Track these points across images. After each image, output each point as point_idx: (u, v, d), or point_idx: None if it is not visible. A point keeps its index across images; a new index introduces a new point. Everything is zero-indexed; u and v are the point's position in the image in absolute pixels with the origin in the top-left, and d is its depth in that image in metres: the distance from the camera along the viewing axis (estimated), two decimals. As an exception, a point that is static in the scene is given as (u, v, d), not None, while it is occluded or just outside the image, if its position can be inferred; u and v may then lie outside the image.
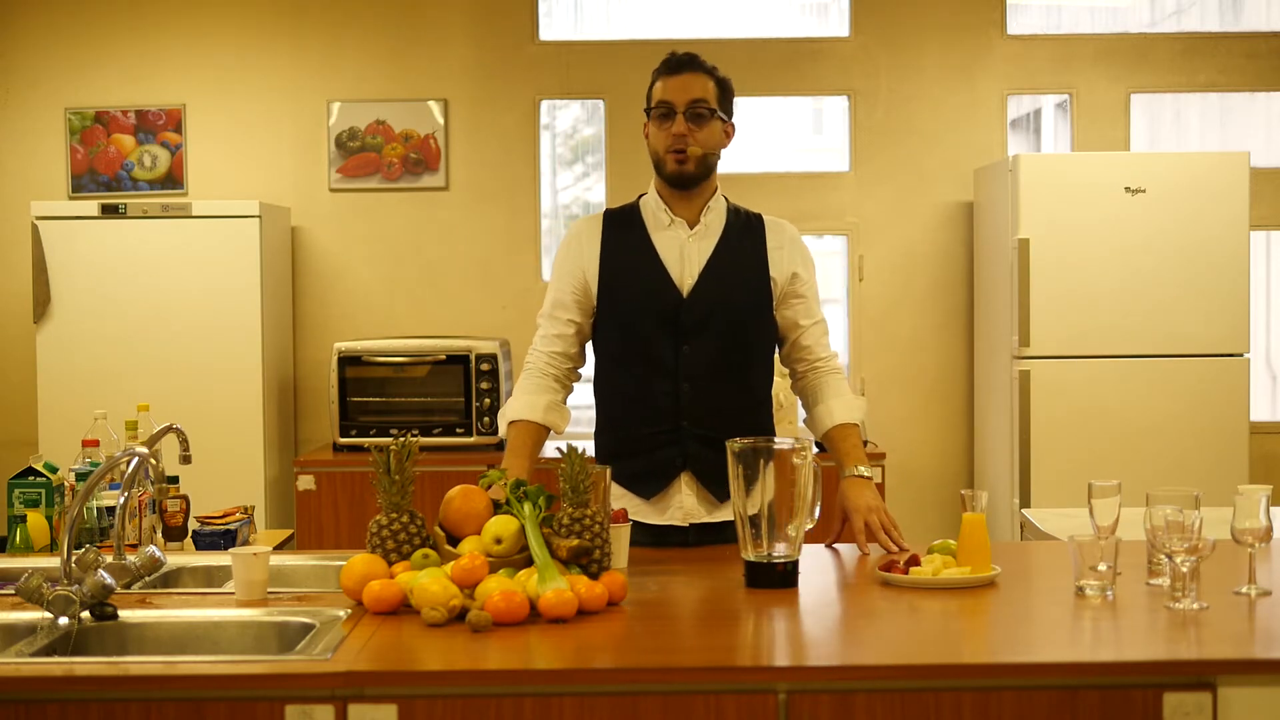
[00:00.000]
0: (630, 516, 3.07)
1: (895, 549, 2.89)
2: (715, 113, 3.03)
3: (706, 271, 3.06)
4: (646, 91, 3.09)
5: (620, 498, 3.10)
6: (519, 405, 3.10)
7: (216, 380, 5.56)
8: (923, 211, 6.14)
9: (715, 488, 3.05)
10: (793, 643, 2.35)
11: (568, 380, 3.16)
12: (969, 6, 6.12)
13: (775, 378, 3.26)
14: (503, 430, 3.15)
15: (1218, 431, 5.50)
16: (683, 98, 3.01)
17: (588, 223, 3.16)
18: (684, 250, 3.07)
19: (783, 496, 2.60)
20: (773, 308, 3.11)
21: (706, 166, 3.06)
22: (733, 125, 3.11)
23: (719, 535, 3.07)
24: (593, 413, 3.26)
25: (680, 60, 3.05)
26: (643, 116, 3.11)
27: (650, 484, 3.07)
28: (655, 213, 3.10)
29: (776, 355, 3.22)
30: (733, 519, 3.04)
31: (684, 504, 3.07)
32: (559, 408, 3.12)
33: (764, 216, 3.17)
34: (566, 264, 3.13)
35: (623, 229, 3.11)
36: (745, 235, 3.11)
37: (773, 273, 3.09)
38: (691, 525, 3.08)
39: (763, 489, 2.59)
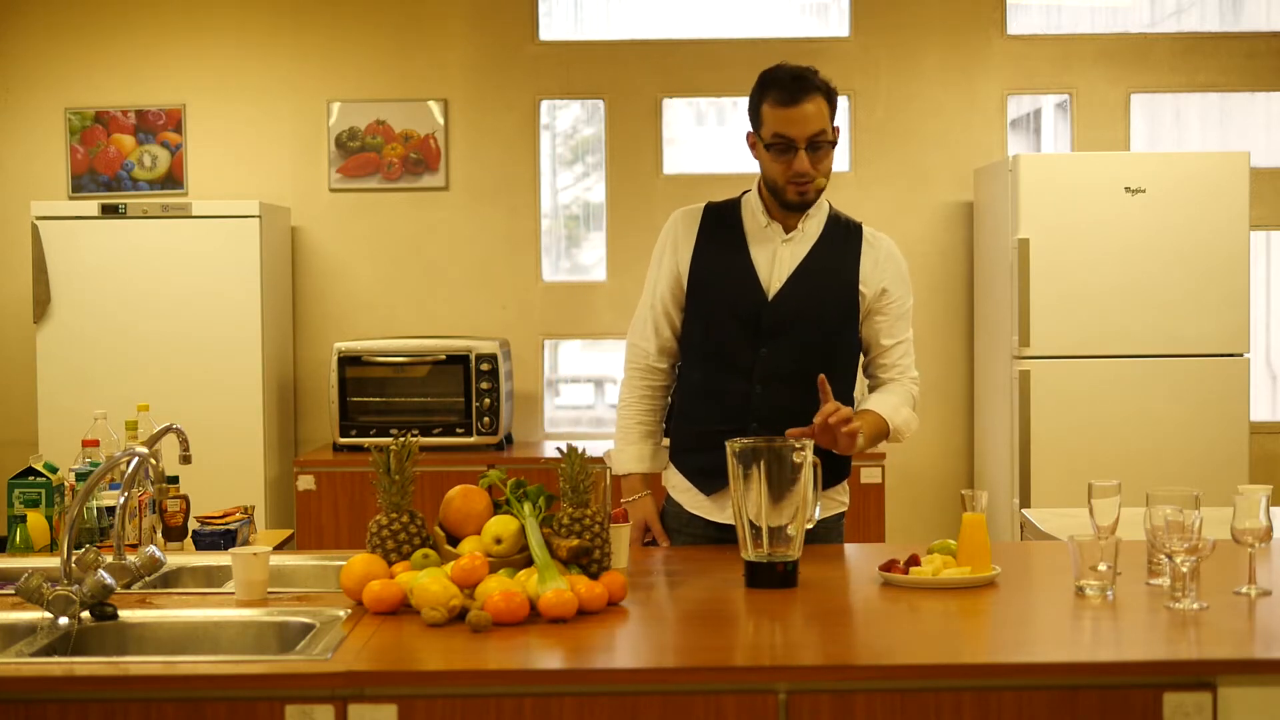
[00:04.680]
0: (691, 510, 3.11)
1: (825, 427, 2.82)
2: (834, 142, 2.98)
3: (795, 278, 3.05)
4: (754, 107, 3.00)
5: (684, 491, 3.13)
6: (628, 457, 3.15)
7: (216, 380, 5.55)
8: (923, 211, 6.14)
9: None
10: (793, 643, 2.35)
11: (668, 384, 3.20)
12: (969, 6, 6.12)
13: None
14: (617, 468, 3.17)
15: (1218, 431, 5.50)
16: (803, 132, 2.94)
17: (686, 215, 3.16)
18: (776, 254, 3.07)
19: (783, 496, 2.60)
20: (859, 320, 3.10)
21: (821, 191, 3.05)
22: (838, 129, 3.03)
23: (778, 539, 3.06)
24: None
25: (796, 85, 2.94)
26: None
27: (712, 480, 3.07)
28: (755, 213, 3.09)
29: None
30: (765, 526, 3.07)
31: None
32: (661, 453, 3.18)
33: (864, 228, 3.15)
34: (663, 256, 3.15)
35: (720, 226, 3.11)
36: (841, 245, 3.10)
37: (862, 286, 3.08)
38: None
39: (763, 489, 2.59)
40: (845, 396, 3.11)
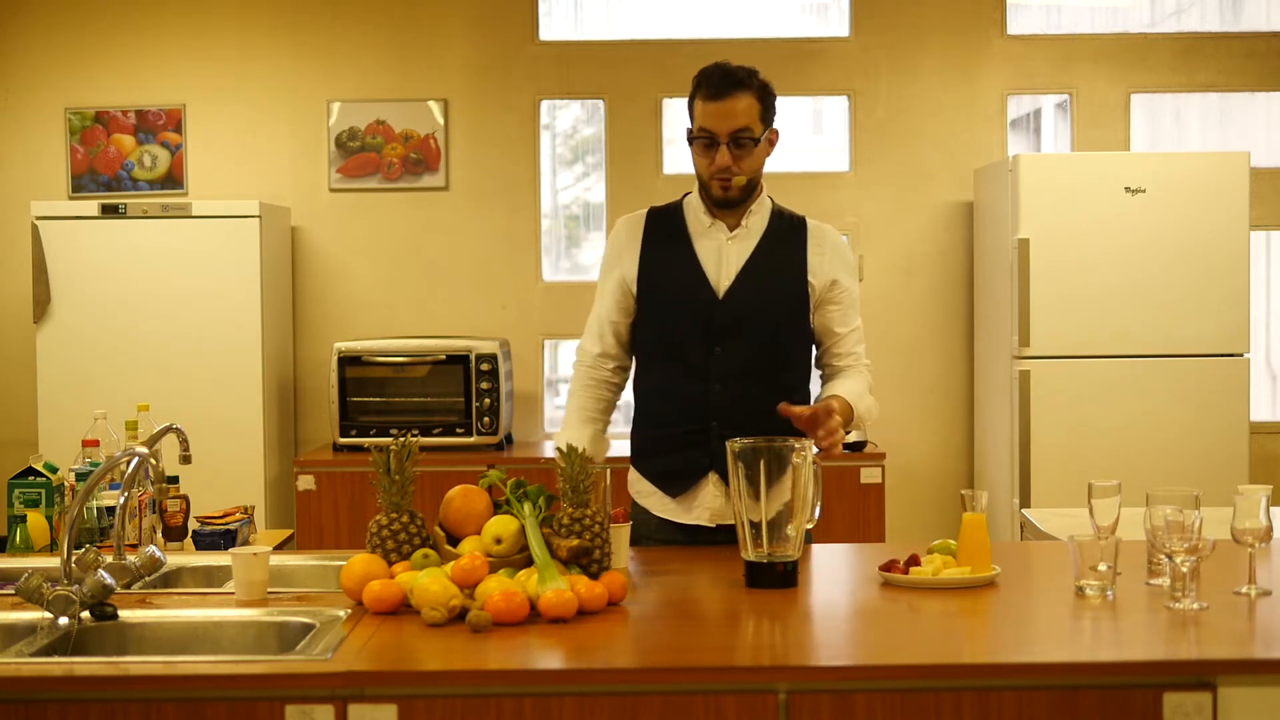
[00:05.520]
0: (658, 514, 3.10)
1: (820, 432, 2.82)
2: (758, 140, 3.00)
3: (743, 275, 3.06)
4: (688, 104, 3.04)
5: (649, 495, 3.13)
6: (567, 438, 3.09)
7: (216, 380, 5.55)
8: (923, 211, 6.14)
9: None
10: (793, 643, 2.35)
11: (616, 381, 3.20)
12: (969, 6, 6.12)
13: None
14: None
15: (1218, 431, 5.50)
16: (725, 127, 2.97)
17: (630, 221, 3.18)
18: (722, 252, 3.08)
19: (783, 496, 2.60)
20: (809, 313, 3.11)
21: (751, 187, 3.06)
22: (776, 131, 3.07)
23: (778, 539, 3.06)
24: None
25: (721, 82, 2.98)
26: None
27: (677, 482, 3.08)
28: (697, 214, 3.11)
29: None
30: (760, 522, 3.06)
31: (711, 504, 3.06)
32: (601, 439, 3.17)
33: (808, 220, 3.17)
34: (610, 263, 3.17)
35: (664, 227, 3.13)
36: (786, 239, 3.11)
37: (811, 279, 3.09)
38: (719, 526, 3.07)
39: (763, 489, 2.59)
40: (801, 391, 3.13)
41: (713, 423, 3.05)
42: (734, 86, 2.97)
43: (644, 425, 3.17)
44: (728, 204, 3.07)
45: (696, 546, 3.04)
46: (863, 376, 3.14)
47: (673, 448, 3.08)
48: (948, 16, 6.11)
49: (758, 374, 3.04)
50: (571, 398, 3.21)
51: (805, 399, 3.14)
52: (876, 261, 6.12)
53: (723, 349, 3.05)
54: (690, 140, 3.04)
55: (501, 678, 2.11)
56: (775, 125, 3.07)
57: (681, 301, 3.07)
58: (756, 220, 3.11)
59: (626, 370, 3.23)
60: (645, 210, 3.20)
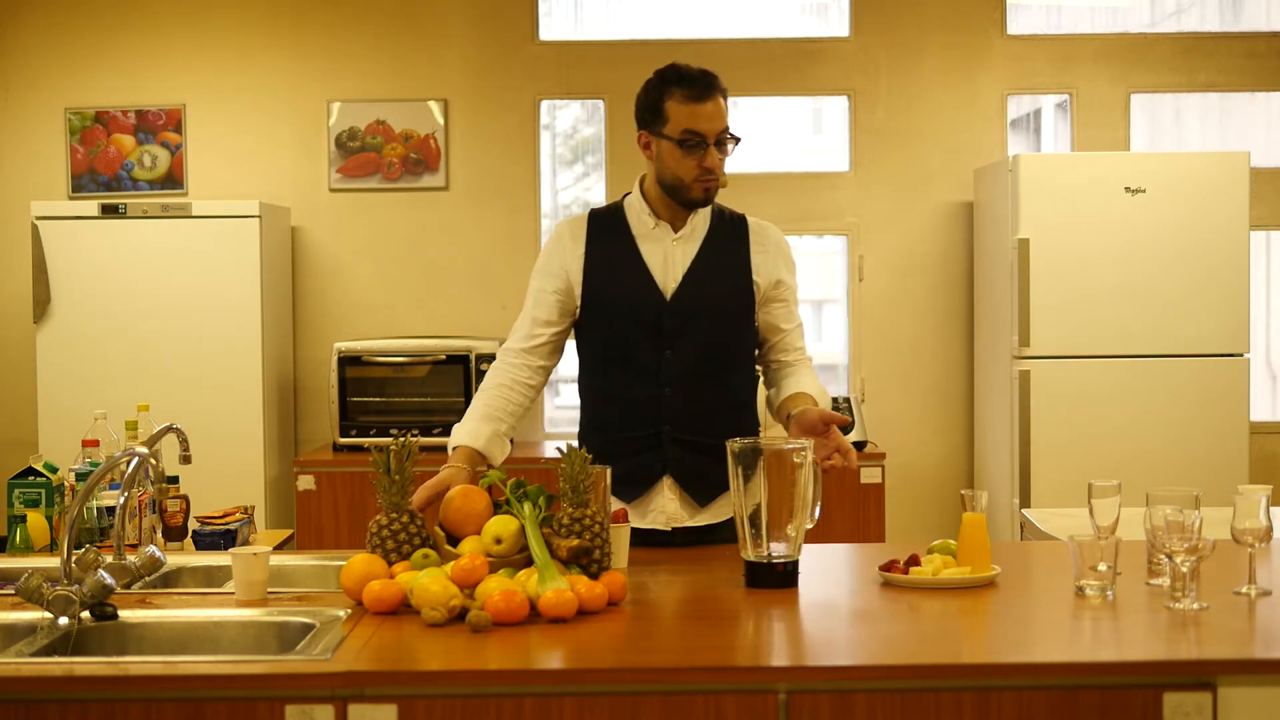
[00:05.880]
0: None
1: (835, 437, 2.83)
2: (738, 140, 3.01)
3: (689, 276, 3.04)
4: (655, 104, 2.99)
5: None
6: (465, 431, 3.00)
7: (216, 380, 5.56)
8: (923, 211, 6.14)
9: (697, 491, 3.05)
10: (793, 643, 2.35)
11: (534, 384, 3.10)
12: (969, 6, 6.12)
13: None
14: (451, 443, 3.01)
15: (1218, 431, 5.50)
16: (713, 128, 2.95)
17: (572, 224, 3.13)
18: (668, 254, 3.05)
19: (783, 496, 2.60)
20: (755, 311, 3.10)
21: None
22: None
23: (702, 538, 3.06)
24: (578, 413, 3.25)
25: (706, 81, 2.97)
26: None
27: (632, 488, 3.05)
28: (640, 215, 3.08)
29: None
30: (715, 523, 3.07)
31: (666, 508, 3.05)
32: (501, 440, 3.02)
33: (748, 219, 3.16)
34: (551, 265, 3.10)
35: (608, 231, 3.09)
36: (729, 239, 3.10)
37: (756, 277, 3.08)
38: (675, 529, 3.06)
39: (763, 489, 2.59)
40: (749, 391, 3.13)
41: (665, 426, 3.03)
42: (714, 87, 2.98)
43: (593, 430, 3.11)
44: (706, 205, 3.04)
45: (653, 548, 3.00)
46: (813, 371, 3.15)
47: (625, 452, 3.02)
48: (948, 16, 6.11)
49: (708, 375, 3.03)
50: (481, 393, 3.06)
51: (752, 399, 3.15)
52: (876, 261, 6.12)
53: (673, 351, 3.02)
54: (677, 143, 2.95)
55: (501, 678, 2.11)
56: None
57: (629, 305, 3.03)
58: (699, 220, 3.08)
59: (546, 374, 3.14)
60: (586, 213, 3.16)
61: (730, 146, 3.00)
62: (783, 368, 3.15)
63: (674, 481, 3.04)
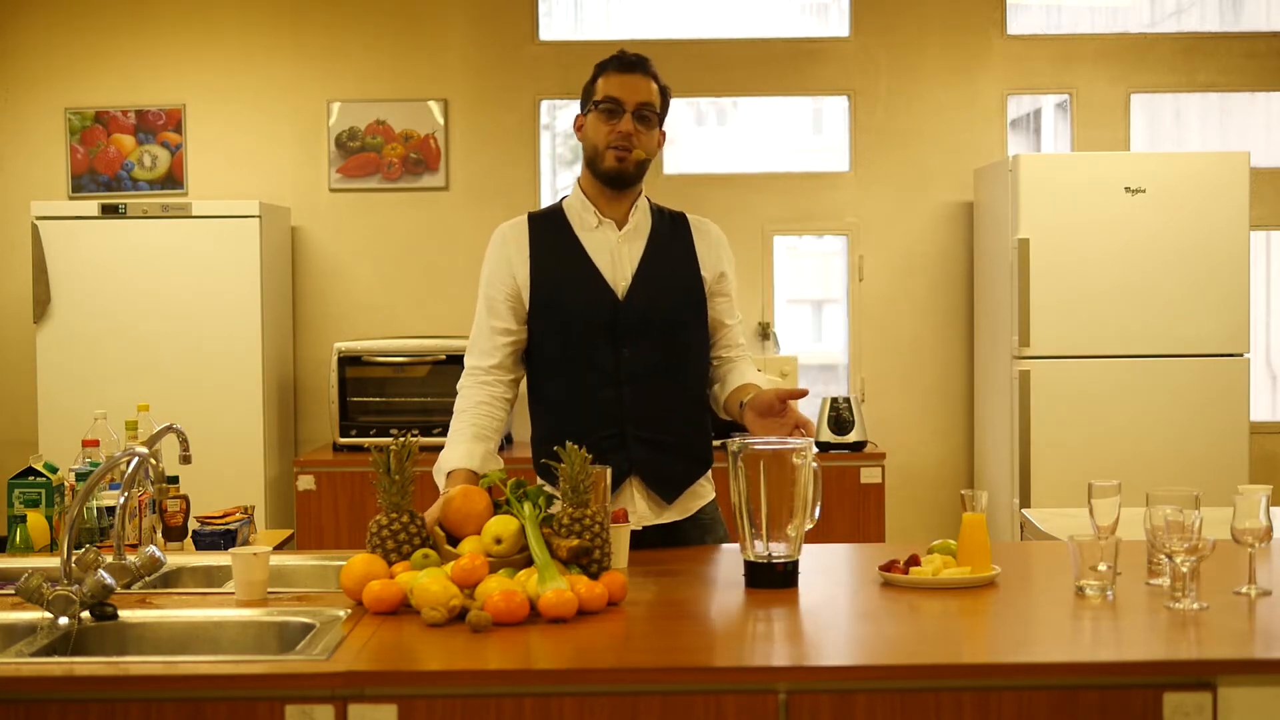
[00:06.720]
0: None
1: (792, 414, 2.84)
2: (660, 118, 3.04)
3: (640, 273, 3.03)
4: (589, 85, 3.05)
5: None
6: (459, 454, 2.95)
7: (216, 380, 5.56)
8: (923, 211, 6.14)
9: (662, 490, 3.04)
10: (793, 643, 2.35)
11: (509, 398, 3.08)
12: (969, 6, 6.12)
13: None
14: (440, 481, 2.95)
15: (1218, 431, 5.50)
16: (632, 98, 2.99)
17: (512, 228, 3.11)
18: (615, 253, 3.04)
19: (782, 496, 2.60)
20: (706, 304, 3.10)
21: (641, 170, 3.04)
22: (664, 134, 3.10)
23: (670, 537, 3.06)
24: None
25: (632, 60, 3.03)
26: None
27: None
28: (582, 214, 3.06)
29: None
30: (681, 519, 3.06)
31: (635, 508, 3.03)
32: (494, 458, 2.99)
33: (687, 216, 3.17)
34: (497, 272, 3.08)
35: (550, 232, 3.07)
36: (672, 234, 3.10)
37: (702, 270, 3.09)
38: (645, 529, 3.03)
39: (763, 489, 2.59)
40: (700, 385, 3.12)
41: (628, 425, 3.00)
42: (644, 68, 3.03)
43: (551, 437, 2.94)
44: (620, 180, 3.01)
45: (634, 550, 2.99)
46: (754, 366, 3.15)
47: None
48: (948, 16, 6.12)
49: (667, 372, 3.02)
50: (460, 415, 3.01)
51: (705, 393, 3.15)
52: (876, 261, 6.12)
53: (631, 350, 3.00)
54: (594, 108, 2.99)
55: (501, 678, 2.11)
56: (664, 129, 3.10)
57: (583, 306, 3.01)
58: (641, 217, 3.08)
59: (517, 388, 3.12)
60: (524, 216, 3.14)
61: (654, 125, 3.02)
62: (724, 364, 3.15)
63: (640, 481, 3.02)
